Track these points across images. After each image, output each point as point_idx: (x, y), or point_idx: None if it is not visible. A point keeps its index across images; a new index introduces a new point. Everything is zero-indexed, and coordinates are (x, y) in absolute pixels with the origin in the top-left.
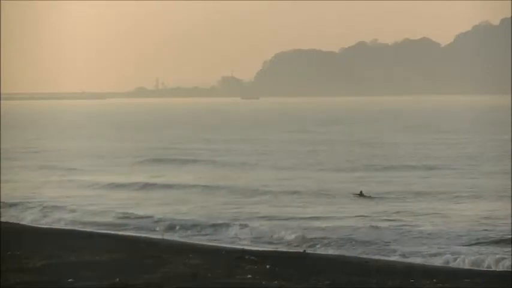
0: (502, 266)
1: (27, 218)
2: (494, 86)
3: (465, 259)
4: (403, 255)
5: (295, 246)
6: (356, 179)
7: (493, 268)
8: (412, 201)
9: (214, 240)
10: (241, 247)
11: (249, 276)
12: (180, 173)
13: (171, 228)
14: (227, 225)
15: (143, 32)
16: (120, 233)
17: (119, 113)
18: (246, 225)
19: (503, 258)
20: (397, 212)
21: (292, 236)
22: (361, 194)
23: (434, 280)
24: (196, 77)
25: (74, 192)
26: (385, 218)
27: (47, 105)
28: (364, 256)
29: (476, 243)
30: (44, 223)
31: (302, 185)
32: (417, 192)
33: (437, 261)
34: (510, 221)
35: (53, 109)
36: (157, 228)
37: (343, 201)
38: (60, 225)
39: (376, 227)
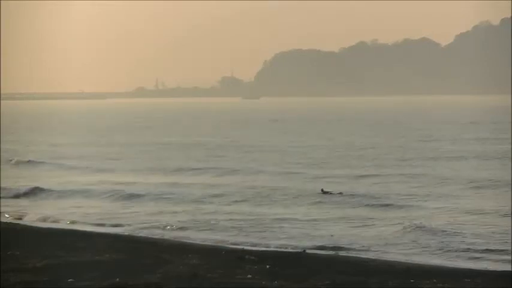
0: (502, 266)
1: None
2: (494, 86)
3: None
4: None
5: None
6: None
7: (493, 268)
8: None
9: None
10: (241, 247)
11: (249, 276)
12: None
13: None
14: None
15: (143, 32)
16: (120, 233)
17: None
18: None
19: (503, 258)
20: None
21: None
22: (323, 192)
23: (434, 280)
24: (196, 77)
25: None
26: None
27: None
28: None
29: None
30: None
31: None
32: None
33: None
34: (510, 221)
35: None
36: None
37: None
38: (60, 225)
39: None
